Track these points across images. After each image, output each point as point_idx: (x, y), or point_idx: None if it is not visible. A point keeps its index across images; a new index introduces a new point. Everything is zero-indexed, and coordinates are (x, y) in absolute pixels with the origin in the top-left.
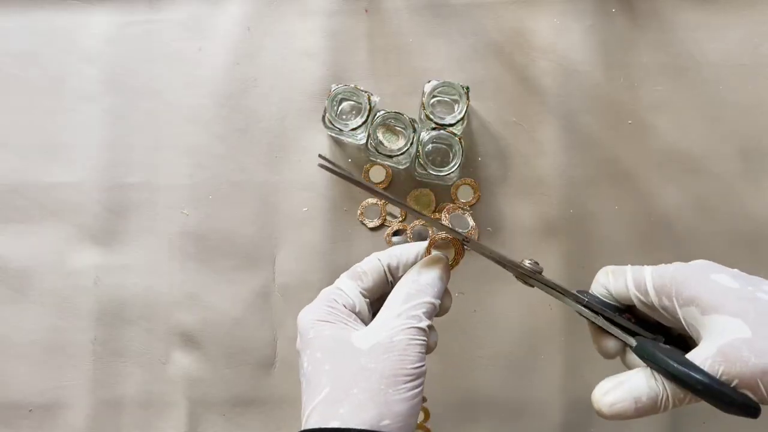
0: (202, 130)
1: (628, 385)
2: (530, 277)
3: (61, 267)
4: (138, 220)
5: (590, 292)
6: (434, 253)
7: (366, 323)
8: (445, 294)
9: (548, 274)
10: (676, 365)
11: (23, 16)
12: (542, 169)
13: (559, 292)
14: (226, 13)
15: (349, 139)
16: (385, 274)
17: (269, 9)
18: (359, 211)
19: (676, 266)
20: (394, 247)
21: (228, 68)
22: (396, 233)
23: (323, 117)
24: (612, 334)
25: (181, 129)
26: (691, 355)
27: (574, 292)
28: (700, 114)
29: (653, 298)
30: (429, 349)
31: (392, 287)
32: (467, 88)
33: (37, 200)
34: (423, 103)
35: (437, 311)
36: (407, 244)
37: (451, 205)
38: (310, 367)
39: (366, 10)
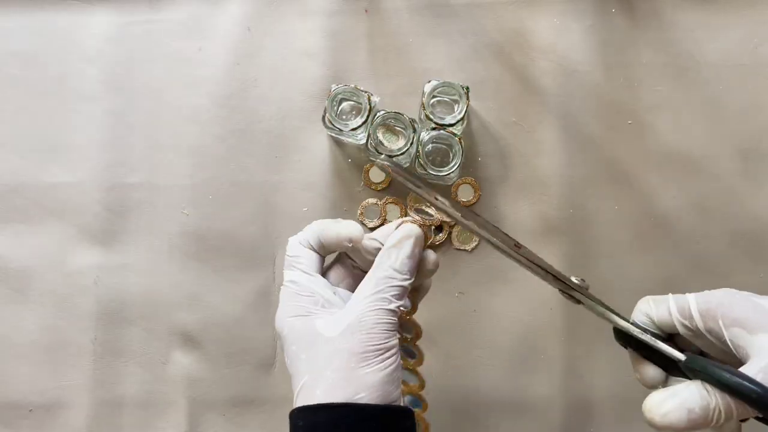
0: (202, 130)
1: (682, 395)
2: (578, 292)
3: (61, 267)
4: (138, 220)
5: (632, 320)
6: (403, 226)
7: (331, 301)
8: (422, 269)
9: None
10: (729, 375)
11: (23, 16)
12: (542, 169)
13: (605, 308)
14: (226, 13)
15: (349, 139)
16: (314, 251)
17: (269, 9)
18: (359, 211)
19: (722, 290)
20: (314, 223)
21: (228, 68)
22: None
23: (323, 117)
24: (653, 362)
25: (181, 129)
26: (743, 369)
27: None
28: (700, 114)
29: (698, 322)
30: (420, 294)
31: (325, 255)
32: (467, 88)
33: (37, 200)
34: (423, 103)
35: (409, 288)
36: (325, 221)
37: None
38: (289, 360)
39: (366, 10)
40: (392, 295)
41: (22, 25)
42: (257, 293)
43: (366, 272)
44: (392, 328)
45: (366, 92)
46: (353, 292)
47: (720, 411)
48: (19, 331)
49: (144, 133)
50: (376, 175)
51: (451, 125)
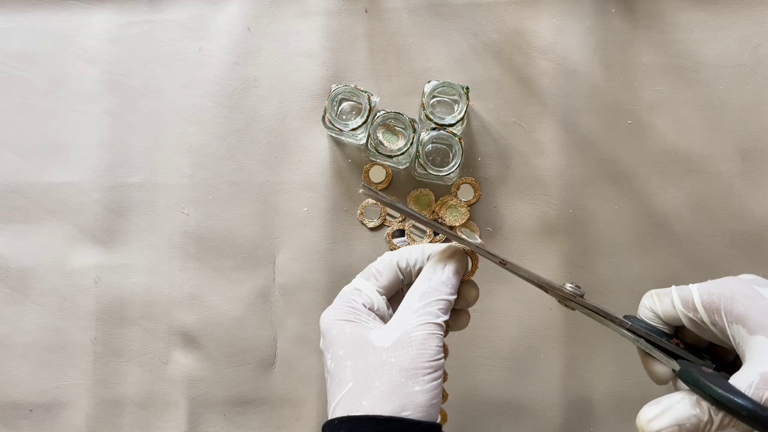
0: (202, 130)
1: (674, 412)
2: (572, 300)
3: (61, 267)
4: (138, 220)
5: (637, 316)
6: (447, 245)
7: (385, 320)
8: (466, 285)
9: (548, 274)
10: (719, 391)
11: (23, 16)
12: (542, 169)
13: (601, 315)
14: (226, 13)
15: (349, 139)
16: (398, 273)
17: (269, 9)
18: (359, 211)
19: (724, 281)
20: (406, 248)
21: (228, 68)
22: (397, 234)
23: (323, 117)
24: (667, 352)
25: (181, 129)
26: (734, 379)
27: (620, 317)
28: (700, 114)
29: (702, 314)
30: (459, 327)
31: (404, 285)
32: (467, 88)
33: (37, 200)
34: (423, 103)
35: (452, 305)
36: (419, 245)
37: (460, 227)
38: (334, 364)
39: (366, 10)
40: (439, 309)
41: (22, 25)
42: (257, 293)
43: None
44: (441, 344)
45: (366, 92)
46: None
47: (712, 425)
48: (19, 331)
49: (144, 133)
50: (376, 175)
51: (451, 125)
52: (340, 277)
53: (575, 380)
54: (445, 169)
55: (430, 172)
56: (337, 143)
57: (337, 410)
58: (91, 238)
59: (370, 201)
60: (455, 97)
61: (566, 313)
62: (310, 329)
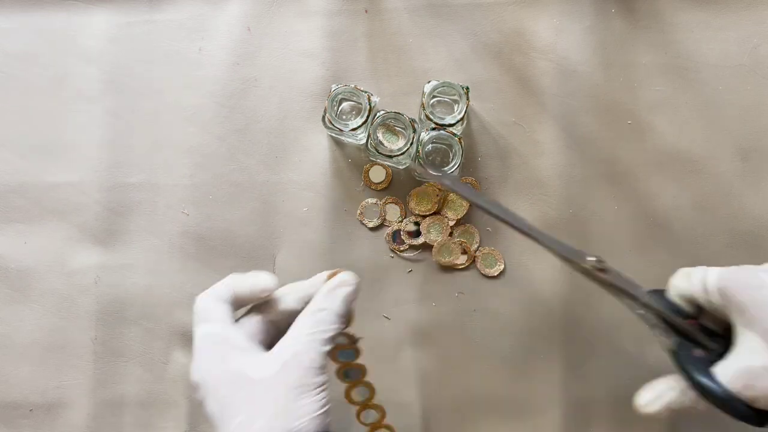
0: (202, 130)
1: (665, 398)
2: (590, 275)
3: (61, 267)
4: (138, 220)
5: (665, 295)
6: (341, 274)
7: (251, 346)
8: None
9: (547, 274)
10: (698, 376)
11: (23, 16)
12: (542, 169)
13: (619, 290)
14: (226, 13)
15: (349, 140)
16: (223, 302)
17: (269, 9)
18: (359, 211)
19: (744, 268)
20: (217, 283)
21: (228, 68)
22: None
23: (323, 117)
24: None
25: (181, 129)
26: (719, 367)
27: (646, 290)
28: (700, 114)
29: (714, 297)
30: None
31: (236, 306)
32: (467, 88)
33: (37, 200)
34: (423, 104)
35: (340, 331)
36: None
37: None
38: (218, 406)
39: (366, 10)
40: (328, 338)
41: (22, 25)
42: None
43: (280, 325)
44: (324, 366)
45: (366, 92)
46: (267, 346)
47: (695, 407)
48: (19, 331)
49: (144, 133)
50: (376, 175)
51: (451, 125)
52: None
53: (575, 380)
54: (445, 169)
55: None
56: (337, 143)
57: None
58: (91, 238)
59: (370, 201)
60: (455, 97)
61: (567, 314)
62: None
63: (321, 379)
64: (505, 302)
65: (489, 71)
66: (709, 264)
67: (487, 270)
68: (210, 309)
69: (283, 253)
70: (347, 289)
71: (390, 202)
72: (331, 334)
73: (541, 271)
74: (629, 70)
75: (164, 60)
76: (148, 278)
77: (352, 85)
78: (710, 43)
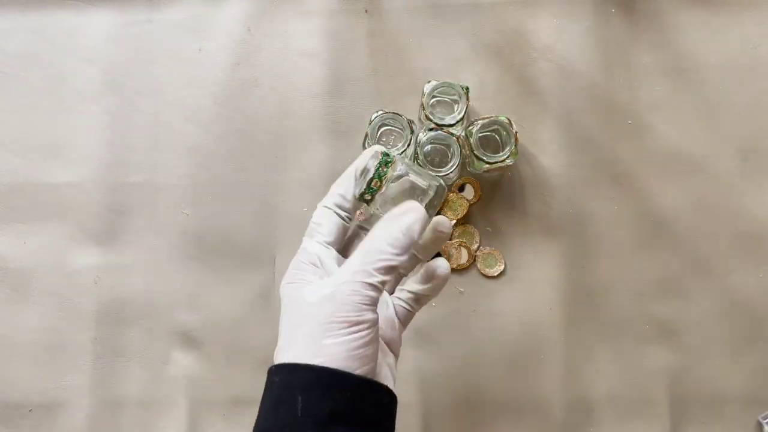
0: (202, 130)
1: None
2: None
3: (61, 267)
4: (138, 220)
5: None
6: (406, 203)
7: (333, 273)
8: (434, 262)
9: (547, 274)
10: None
11: (23, 16)
12: (542, 169)
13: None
14: (226, 13)
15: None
16: (337, 216)
17: (269, 9)
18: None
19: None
20: (334, 185)
21: (228, 68)
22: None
23: (364, 142)
24: None
25: (181, 129)
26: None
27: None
28: (700, 114)
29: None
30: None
31: (350, 223)
32: (467, 88)
33: (37, 200)
34: (423, 104)
35: (400, 266)
36: (346, 173)
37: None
38: (281, 323)
39: (366, 10)
40: (376, 269)
41: (22, 25)
42: (257, 293)
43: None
44: (367, 302)
45: (408, 119)
46: None
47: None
48: (19, 331)
49: (144, 133)
50: None
51: (451, 125)
52: None
53: (575, 380)
54: (444, 169)
55: (430, 172)
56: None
57: (275, 361)
58: (91, 238)
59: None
60: (455, 97)
61: (567, 313)
62: None
63: (358, 317)
64: (505, 302)
65: (489, 71)
66: (710, 264)
67: (487, 270)
68: (321, 223)
69: (283, 253)
70: (410, 218)
71: None
72: (379, 265)
73: (541, 271)
74: (629, 70)
75: (164, 60)
76: (148, 278)
77: (392, 112)
78: (710, 43)
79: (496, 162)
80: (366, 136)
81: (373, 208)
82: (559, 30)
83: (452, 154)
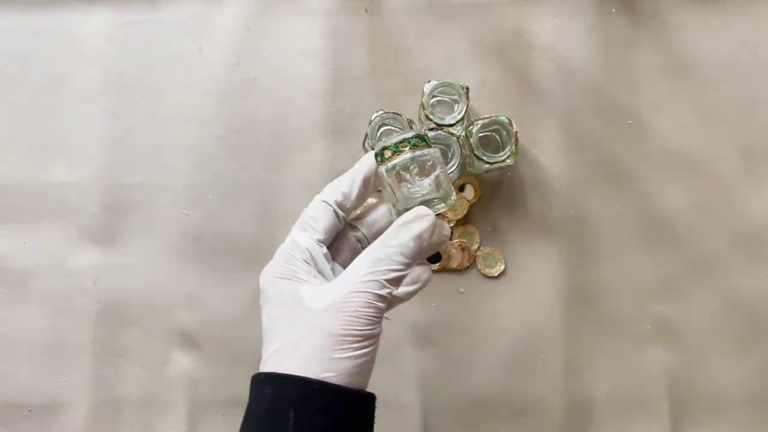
0: (203, 130)
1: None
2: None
3: (61, 267)
4: (138, 220)
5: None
6: (416, 209)
7: (324, 273)
8: (418, 267)
9: (547, 274)
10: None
11: (22, 16)
12: (542, 169)
13: None
14: (226, 13)
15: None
16: (334, 215)
17: (269, 9)
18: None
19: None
20: (333, 182)
21: (228, 68)
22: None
23: (363, 142)
24: None
25: (181, 129)
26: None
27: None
28: (700, 114)
29: None
30: (403, 298)
31: (343, 223)
32: (467, 88)
33: (37, 200)
34: (423, 104)
35: (405, 276)
36: (347, 173)
37: None
38: (267, 321)
39: (366, 10)
40: (387, 279)
41: (22, 25)
42: (257, 293)
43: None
44: (378, 316)
45: (408, 119)
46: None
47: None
48: (19, 331)
49: (144, 133)
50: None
51: (451, 125)
52: None
53: (575, 380)
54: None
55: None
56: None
57: (265, 366)
58: (91, 238)
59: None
60: (455, 97)
61: (567, 314)
62: None
63: (367, 331)
64: (505, 302)
65: (489, 71)
66: (710, 264)
67: (487, 270)
68: (317, 219)
69: None
70: (422, 225)
71: None
72: (391, 276)
73: (541, 271)
74: (630, 70)
75: (164, 60)
76: (148, 278)
77: (392, 112)
78: (710, 43)
79: (496, 162)
80: (366, 136)
81: (389, 195)
82: (560, 30)
83: (452, 154)
